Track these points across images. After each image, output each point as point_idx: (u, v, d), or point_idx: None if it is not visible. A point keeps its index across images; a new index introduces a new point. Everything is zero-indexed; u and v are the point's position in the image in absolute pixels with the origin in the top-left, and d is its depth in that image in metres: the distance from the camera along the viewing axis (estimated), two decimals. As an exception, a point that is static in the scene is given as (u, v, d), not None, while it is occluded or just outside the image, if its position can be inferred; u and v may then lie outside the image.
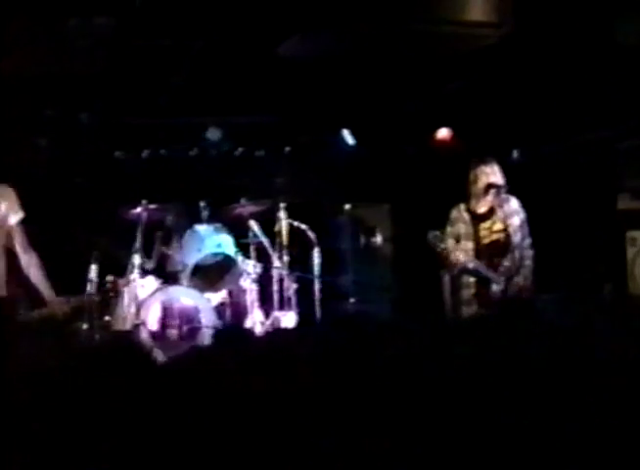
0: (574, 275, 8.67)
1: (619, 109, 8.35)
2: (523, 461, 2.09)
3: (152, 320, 7.89)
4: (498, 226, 6.79)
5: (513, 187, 6.87)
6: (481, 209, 6.85)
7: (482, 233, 6.79)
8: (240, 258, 8.35)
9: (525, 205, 6.89)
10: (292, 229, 8.63)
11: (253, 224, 8.58)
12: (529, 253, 6.81)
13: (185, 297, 8.06)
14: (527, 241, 6.83)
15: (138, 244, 8.18)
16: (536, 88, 8.74)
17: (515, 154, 9.55)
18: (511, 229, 6.76)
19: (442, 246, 6.55)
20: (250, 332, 7.92)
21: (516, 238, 6.76)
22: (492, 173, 6.81)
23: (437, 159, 9.83)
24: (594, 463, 2.08)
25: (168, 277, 8.44)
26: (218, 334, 6.94)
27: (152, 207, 8.31)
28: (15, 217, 5.99)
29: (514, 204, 6.84)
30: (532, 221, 6.88)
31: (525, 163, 9.40)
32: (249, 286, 8.39)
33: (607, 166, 8.96)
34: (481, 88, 9.07)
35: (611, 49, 7.76)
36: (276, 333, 6.62)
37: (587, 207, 8.94)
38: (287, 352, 2.51)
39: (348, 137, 10.04)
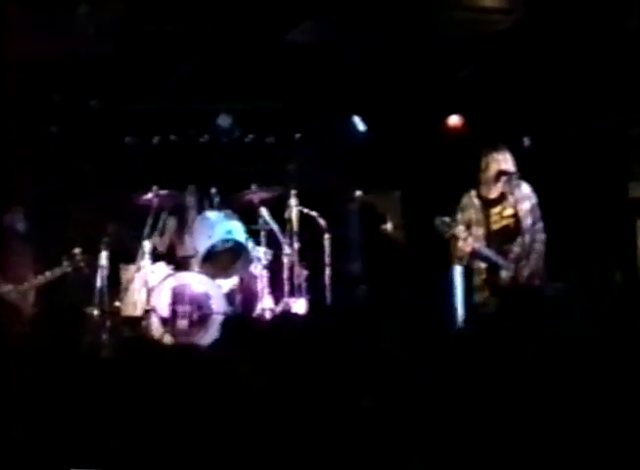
0: (585, 263, 8.63)
1: (631, 96, 8.31)
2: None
3: (162, 306, 7.90)
4: (508, 212, 6.77)
5: (524, 174, 6.84)
6: (492, 195, 6.83)
7: (493, 218, 6.77)
8: (250, 245, 8.35)
9: (535, 192, 6.86)
10: (302, 216, 8.61)
11: (264, 211, 8.57)
12: (541, 237, 6.79)
13: (196, 283, 8.06)
14: (539, 225, 6.80)
15: (149, 230, 8.20)
16: (548, 75, 8.70)
17: (526, 141, 9.50)
18: (521, 213, 6.74)
19: (450, 232, 6.53)
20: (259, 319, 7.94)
21: (526, 222, 6.74)
22: (503, 160, 6.79)
23: (449, 146, 9.79)
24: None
25: (179, 263, 8.44)
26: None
27: (162, 193, 8.32)
28: None
29: (525, 189, 6.82)
30: (543, 209, 6.85)
31: (536, 150, 9.35)
32: (259, 272, 8.39)
33: (618, 154, 8.92)
34: (493, 75, 9.04)
35: (622, 35, 7.72)
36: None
37: (598, 194, 8.90)
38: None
39: (359, 124, 10.00)
